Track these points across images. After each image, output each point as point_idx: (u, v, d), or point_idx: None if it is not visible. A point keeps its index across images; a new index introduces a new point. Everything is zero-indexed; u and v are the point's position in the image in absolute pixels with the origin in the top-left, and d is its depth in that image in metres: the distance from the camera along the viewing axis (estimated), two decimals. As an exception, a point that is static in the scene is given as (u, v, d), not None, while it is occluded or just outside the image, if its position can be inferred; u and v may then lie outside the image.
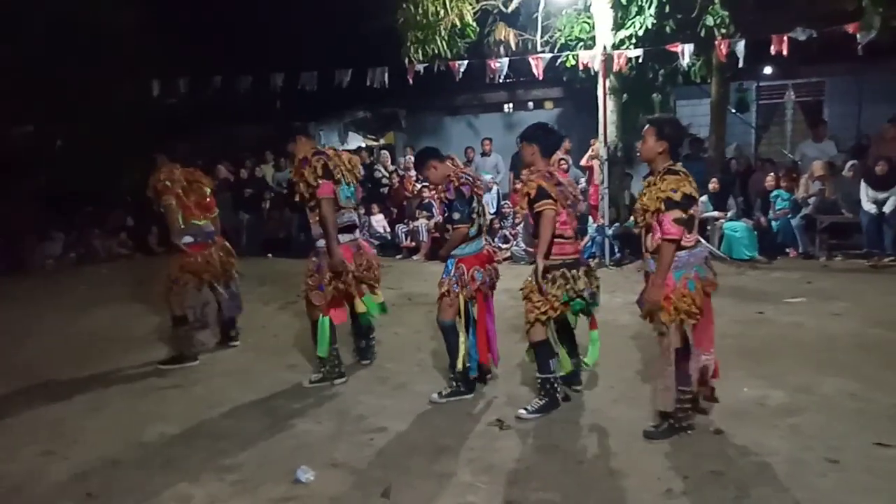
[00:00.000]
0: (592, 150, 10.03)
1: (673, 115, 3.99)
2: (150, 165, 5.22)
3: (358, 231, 4.70)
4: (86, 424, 4.07)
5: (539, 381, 3.89)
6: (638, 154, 3.55)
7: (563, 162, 9.47)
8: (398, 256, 10.66)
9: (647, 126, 3.53)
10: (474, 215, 4.10)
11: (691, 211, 3.32)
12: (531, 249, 4.04)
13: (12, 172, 11.42)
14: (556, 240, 3.77)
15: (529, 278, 3.89)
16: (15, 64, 10.53)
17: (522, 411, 3.83)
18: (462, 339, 4.12)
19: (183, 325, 5.17)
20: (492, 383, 4.43)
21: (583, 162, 10.22)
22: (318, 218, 4.34)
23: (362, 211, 11.23)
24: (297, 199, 4.43)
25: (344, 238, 4.45)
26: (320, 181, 4.26)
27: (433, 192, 4.21)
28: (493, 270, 4.21)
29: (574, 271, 3.79)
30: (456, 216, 4.03)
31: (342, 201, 4.42)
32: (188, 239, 5.14)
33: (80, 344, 5.94)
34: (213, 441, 3.72)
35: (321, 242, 4.37)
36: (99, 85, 11.17)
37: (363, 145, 15.62)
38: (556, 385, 3.88)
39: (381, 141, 16.16)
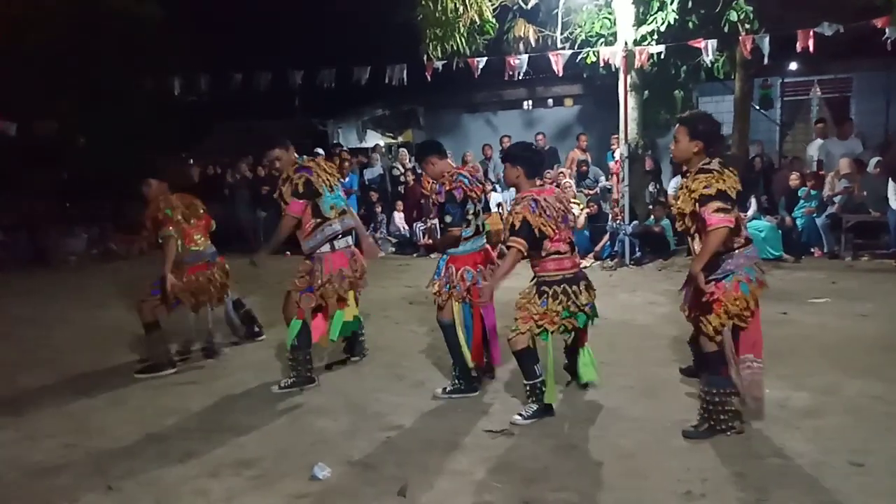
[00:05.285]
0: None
1: (704, 112, 3.89)
2: (140, 194, 5.09)
3: (350, 238, 4.64)
4: (107, 417, 4.13)
5: (528, 387, 3.80)
6: (670, 156, 3.52)
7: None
8: (415, 255, 10.66)
9: (677, 125, 3.44)
10: (469, 216, 4.09)
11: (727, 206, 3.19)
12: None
13: (36, 167, 11.63)
14: (553, 256, 3.72)
15: (527, 290, 3.83)
16: (39, 60, 10.72)
17: (517, 417, 3.76)
18: (461, 338, 4.13)
19: (155, 331, 5.00)
20: (509, 382, 4.41)
21: (615, 169, 9.93)
22: (304, 233, 4.44)
23: (379, 209, 11.27)
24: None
25: (339, 244, 4.48)
26: (292, 199, 4.35)
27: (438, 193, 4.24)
28: (488, 270, 4.15)
29: (575, 287, 3.71)
30: (448, 219, 4.03)
31: (326, 212, 4.42)
32: (189, 259, 5.07)
33: (103, 338, 6.03)
34: (231, 436, 3.74)
35: (320, 250, 4.41)
36: (121, 81, 11.34)
37: (381, 143, 15.67)
38: (543, 389, 3.78)
39: (400, 139, 16.18)
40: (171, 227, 4.90)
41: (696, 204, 3.20)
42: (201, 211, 5.23)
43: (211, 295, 5.19)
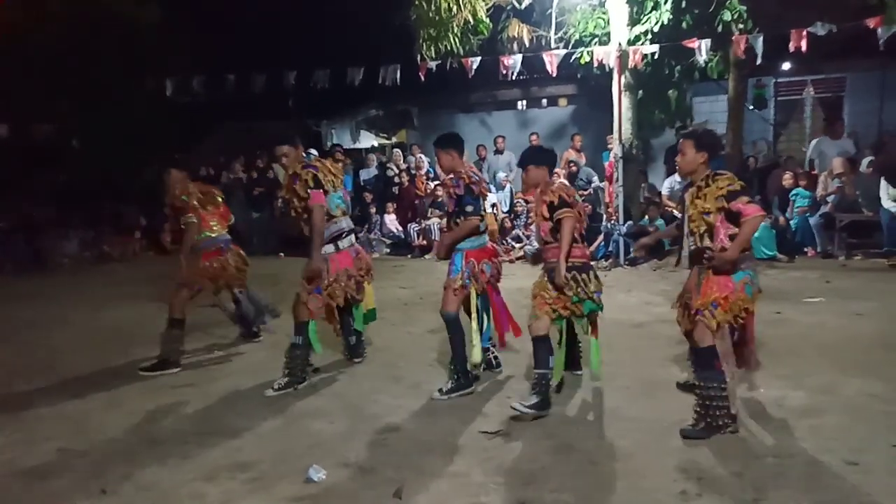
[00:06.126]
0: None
1: (705, 126, 4.21)
2: (162, 182, 5.30)
3: (354, 236, 4.71)
4: (103, 420, 4.10)
5: (536, 375, 3.88)
6: (676, 168, 3.68)
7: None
8: (409, 255, 10.64)
9: (683, 139, 3.69)
10: (483, 212, 4.27)
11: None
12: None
13: (34, 169, 11.57)
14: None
15: (538, 279, 3.98)
16: (39, 61, 10.66)
17: (517, 405, 3.80)
18: (474, 335, 4.19)
19: (177, 327, 5.07)
20: (505, 383, 4.41)
21: (609, 170, 10.00)
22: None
23: (373, 210, 11.26)
24: (293, 214, 4.49)
25: (343, 244, 4.53)
26: (310, 191, 4.36)
27: (446, 189, 4.40)
28: (498, 264, 4.42)
29: (584, 275, 3.89)
30: (469, 208, 4.19)
31: (333, 210, 4.47)
32: (203, 245, 5.22)
33: (99, 340, 5.99)
34: (227, 439, 3.72)
35: (324, 249, 4.43)
36: (121, 81, 11.29)
37: (375, 144, 15.63)
38: (549, 384, 3.88)
39: (394, 139, 16.16)
40: (192, 214, 5.10)
41: (725, 200, 3.40)
42: (219, 200, 5.44)
43: (228, 279, 5.36)
